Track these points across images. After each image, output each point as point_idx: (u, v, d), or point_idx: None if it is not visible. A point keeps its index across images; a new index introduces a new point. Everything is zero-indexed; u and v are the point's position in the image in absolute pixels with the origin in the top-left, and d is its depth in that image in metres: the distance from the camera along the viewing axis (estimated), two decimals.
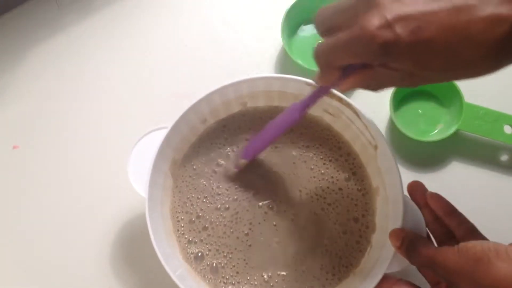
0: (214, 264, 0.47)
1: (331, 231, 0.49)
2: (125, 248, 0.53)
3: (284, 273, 0.47)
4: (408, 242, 0.40)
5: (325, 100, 0.49)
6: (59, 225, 0.54)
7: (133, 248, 0.53)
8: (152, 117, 0.57)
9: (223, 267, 0.47)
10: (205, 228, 0.49)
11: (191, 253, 0.48)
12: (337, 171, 0.51)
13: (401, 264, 0.43)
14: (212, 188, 0.50)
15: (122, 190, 0.51)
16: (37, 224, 0.55)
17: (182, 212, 0.49)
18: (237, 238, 0.48)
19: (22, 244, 0.54)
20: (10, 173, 0.56)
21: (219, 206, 0.49)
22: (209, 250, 0.48)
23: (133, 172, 0.47)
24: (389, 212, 0.46)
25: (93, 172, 0.56)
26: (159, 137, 0.46)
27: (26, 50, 0.60)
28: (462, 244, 0.34)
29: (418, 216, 0.44)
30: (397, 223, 0.43)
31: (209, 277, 0.47)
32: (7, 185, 0.56)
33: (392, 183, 0.45)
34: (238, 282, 0.47)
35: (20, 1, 0.61)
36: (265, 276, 0.47)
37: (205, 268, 0.47)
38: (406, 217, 0.43)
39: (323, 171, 0.51)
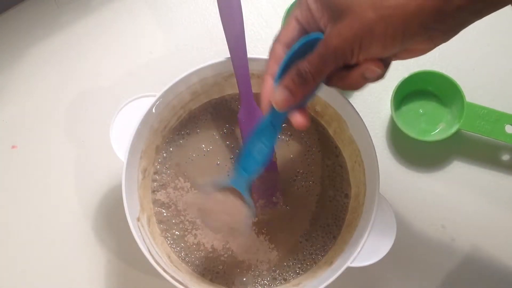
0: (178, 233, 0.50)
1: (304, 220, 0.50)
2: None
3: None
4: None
5: None
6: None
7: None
8: None
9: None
10: (179, 211, 0.50)
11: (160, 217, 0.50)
12: (306, 141, 0.52)
13: (367, 259, 0.43)
14: (196, 169, 0.51)
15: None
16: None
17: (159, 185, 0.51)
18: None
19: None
20: (8, 172, 0.56)
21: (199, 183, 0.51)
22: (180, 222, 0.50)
23: (116, 137, 0.47)
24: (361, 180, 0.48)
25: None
26: (146, 103, 0.46)
27: (25, 49, 0.60)
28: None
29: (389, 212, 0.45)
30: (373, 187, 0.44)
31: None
32: (6, 185, 0.56)
33: (367, 152, 0.46)
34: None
35: (18, 0, 0.61)
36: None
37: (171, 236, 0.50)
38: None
39: (290, 133, 0.52)
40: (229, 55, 0.46)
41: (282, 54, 0.36)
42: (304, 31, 0.36)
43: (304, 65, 0.34)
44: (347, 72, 0.34)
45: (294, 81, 0.34)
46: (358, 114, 0.46)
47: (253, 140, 0.39)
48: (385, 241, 0.44)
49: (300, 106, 0.36)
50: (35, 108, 0.58)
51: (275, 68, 0.36)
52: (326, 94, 0.48)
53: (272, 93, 0.36)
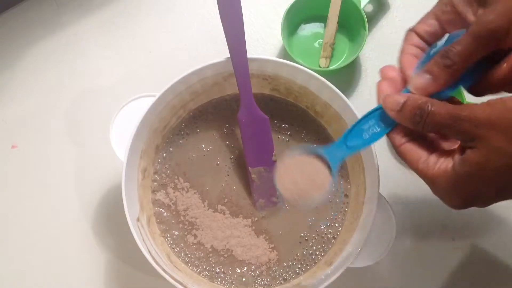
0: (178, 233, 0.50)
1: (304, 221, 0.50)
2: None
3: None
4: (413, 104, 0.33)
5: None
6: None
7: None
8: None
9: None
10: (185, 209, 0.50)
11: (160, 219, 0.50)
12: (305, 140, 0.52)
13: (367, 260, 0.43)
14: (197, 169, 0.51)
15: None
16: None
17: (159, 184, 0.51)
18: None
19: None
20: (8, 172, 0.56)
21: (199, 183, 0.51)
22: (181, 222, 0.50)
23: (116, 137, 0.47)
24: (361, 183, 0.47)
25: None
26: (145, 103, 0.46)
27: (25, 49, 0.60)
28: (492, 99, 0.31)
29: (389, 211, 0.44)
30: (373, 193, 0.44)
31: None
32: (6, 184, 0.56)
33: (367, 152, 0.46)
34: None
35: (18, 0, 0.61)
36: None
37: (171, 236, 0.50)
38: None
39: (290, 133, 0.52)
40: (229, 55, 0.46)
41: (418, 42, 0.35)
42: (442, 30, 0.35)
43: (452, 45, 0.32)
44: (494, 67, 0.32)
45: (438, 64, 0.32)
46: (357, 115, 0.45)
47: (369, 119, 0.37)
48: (385, 241, 0.44)
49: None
50: (35, 108, 0.58)
51: (411, 50, 0.35)
52: (326, 94, 0.48)
53: (410, 78, 0.34)
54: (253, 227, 0.50)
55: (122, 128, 0.47)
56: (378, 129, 0.37)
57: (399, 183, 0.55)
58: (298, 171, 0.40)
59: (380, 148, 0.56)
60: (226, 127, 0.52)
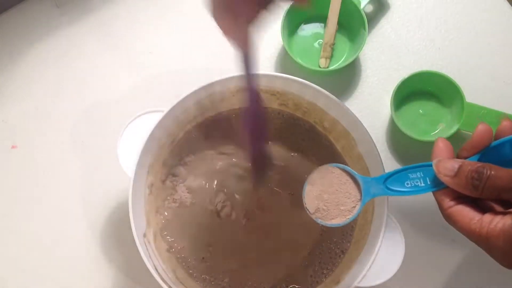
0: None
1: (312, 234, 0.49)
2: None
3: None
4: (470, 168, 0.33)
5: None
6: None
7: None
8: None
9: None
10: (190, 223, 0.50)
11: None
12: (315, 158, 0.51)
13: (376, 279, 0.42)
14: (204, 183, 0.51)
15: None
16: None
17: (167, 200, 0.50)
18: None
19: (20, 235, 0.54)
20: (8, 172, 0.56)
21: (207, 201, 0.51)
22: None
23: (123, 152, 0.46)
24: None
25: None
26: (153, 119, 0.46)
27: (25, 49, 0.60)
28: None
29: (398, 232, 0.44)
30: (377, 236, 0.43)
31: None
32: (5, 184, 0.56)
33: (375, 167, 0.45)
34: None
35: (18, 0, 0.61)
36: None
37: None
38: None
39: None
40: (237, 72, 0.45)
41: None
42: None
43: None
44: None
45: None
46: (367, 131, 0.45)
47: (417, 171, 0.37)
48: (393, 259, 0.43)
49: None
50: (35, 108, 0.58)
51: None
52: (334, 110, 0.48)
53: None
54: (259, 243, 0.49)
55: (129, 143, 0.46)
56: (423, 184, 0.36)
57: None
58: (330, 187, 0.39)
59: (380, 149, 0.56)
60: (234, 143, 0.52)
